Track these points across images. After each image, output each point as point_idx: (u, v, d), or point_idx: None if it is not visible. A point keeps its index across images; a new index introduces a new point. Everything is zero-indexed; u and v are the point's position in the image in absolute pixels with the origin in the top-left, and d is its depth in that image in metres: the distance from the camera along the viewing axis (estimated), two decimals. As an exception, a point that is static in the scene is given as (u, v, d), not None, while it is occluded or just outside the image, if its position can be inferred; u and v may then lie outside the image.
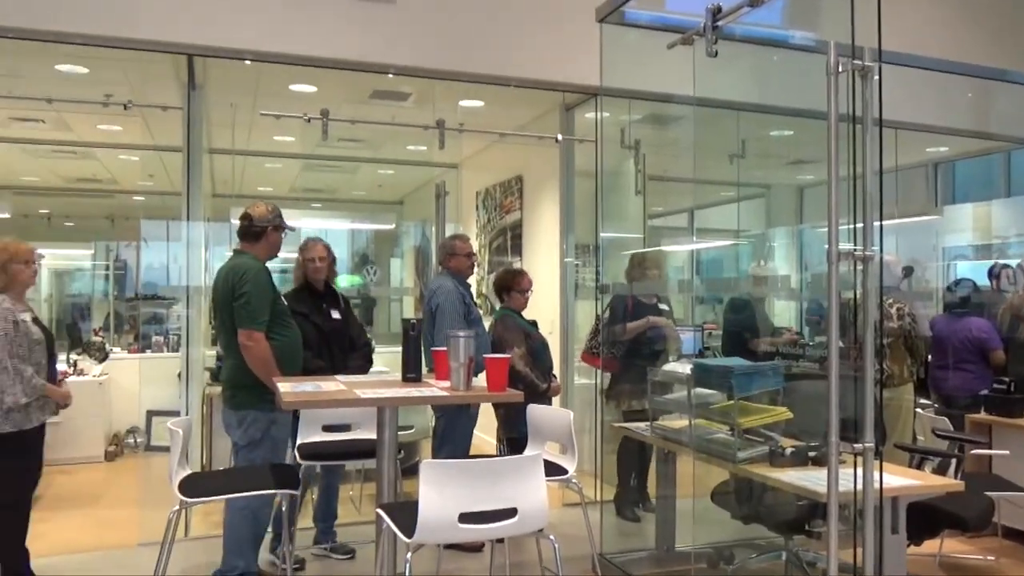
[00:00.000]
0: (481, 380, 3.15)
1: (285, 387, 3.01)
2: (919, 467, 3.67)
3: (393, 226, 8.76)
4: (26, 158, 7.79)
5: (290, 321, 3.71)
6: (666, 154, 5.74)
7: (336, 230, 8.89)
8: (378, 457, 3.01)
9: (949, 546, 4.25)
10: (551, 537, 2.54)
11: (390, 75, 5.05)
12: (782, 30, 4.31)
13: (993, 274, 5.47)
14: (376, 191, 9.92)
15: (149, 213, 9.65)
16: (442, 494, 2.30)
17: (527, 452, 3.43)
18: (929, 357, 5.05)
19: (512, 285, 4.66)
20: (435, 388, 3.08)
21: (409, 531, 2.32)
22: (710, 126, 4.87)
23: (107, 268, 9.89)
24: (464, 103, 5.83)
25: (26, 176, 8.78)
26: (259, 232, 3.67)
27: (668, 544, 4.07)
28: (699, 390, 3.54)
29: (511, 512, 2.38)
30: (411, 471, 4.92)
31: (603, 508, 4.55)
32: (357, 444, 3.81)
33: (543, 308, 5.37)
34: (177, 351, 5.01)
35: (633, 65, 4.45)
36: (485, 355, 3.12)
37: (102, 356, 6.87)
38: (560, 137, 5.59)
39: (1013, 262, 5.52)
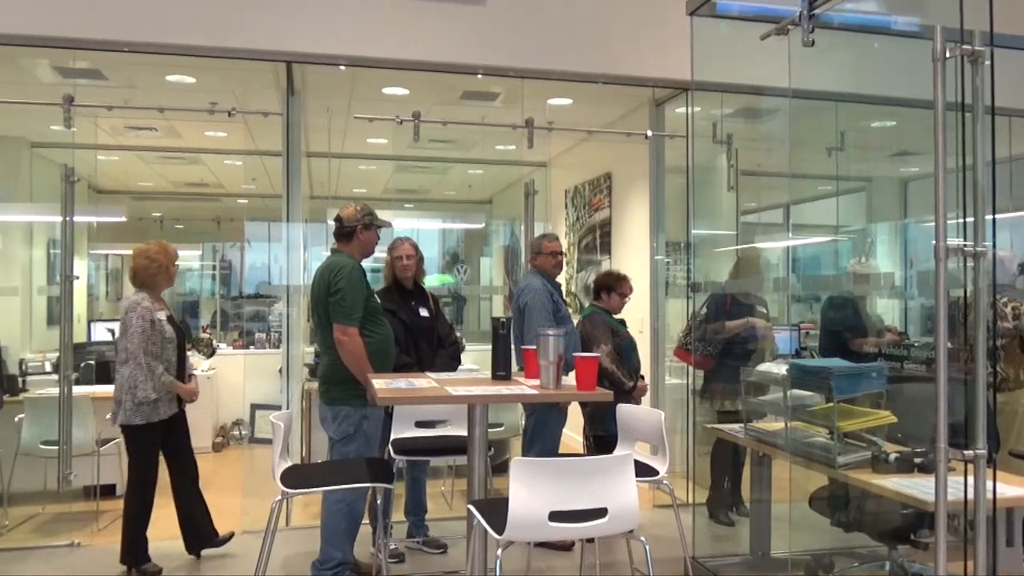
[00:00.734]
0: (571, 379, 3.15)
1: (379, 383, 3.09)
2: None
3: (482, 225, 8.84)
4: (141, 165, 8.26)
5: (383, 319, 3.80)
6: (760, 148, 5.58)
7: (427, 230, 9.06)
8: (469, 454, 3.05)
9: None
10: (642, 538, 2.51)
11: (479, 76, 5.11)
12: (883, 15, 4.12)
13: (1120, 270, 5.06)
14: (466, 191, 10.03)
15: (252, 215, 10.08)
16: (532, 492, 2.31)
17: (617, 452, 3.40)
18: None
19: (614, 286, 4.64)
20: (525, 386, 3.09)
21: (500, 528, 2.34)
22: (806, 118, 4.70)
23: (214, 268, 10.39)
24: (552, 101, 5.83)
25: (141, 182, 9.31)
26: (350, 232, 3.77)
27: (763, 550, 3.96)
28: (796, 391, 3.43)
29: (601, 512, 2.37)
30: (501, 468, 4.96)
31: (695, 511, 4.47)
32: (449, 440, 3.87)
33: (632, 307, 5.31)
34: (278, 347, 5.22)
35: (725, 58, 4.35)
36: (575, 354, 3.11)
37: (210, 352, 7.23)
38: (650, 133, 5.52)
39: None
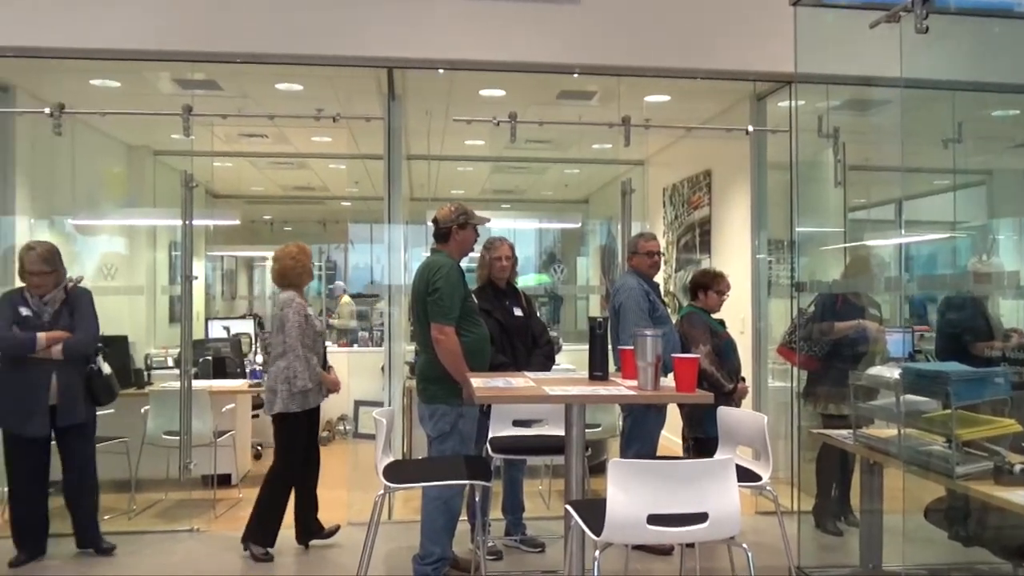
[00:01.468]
0: (669, 380, 3.11)
1: (477, 382, 3.13)
2: None
3: (579, 225, 8.83)
4: (253, 170, 8.67)
5: (479, 319, 3.84)
6: (869, 142, 5.33)
7: (524, 230, 9.12)
8: (566, 454, 3.05)
9: None
10: (744, 546, 2.45)
11: (575, 75, 5.10)
12: (1007, -2, 3.86)
13: None
14: (562, 190, 10.04)
15: (355, 217, 10.41)
16: (630, 494, 2.30)
17: (718, 455, 3.33)
18: None
19: (711, 284, 4.55)
20: (622, 387, 3.07)
21: (597, 529, 2.33)
22: (920, 109, 4.47)
23: (320, 268, 10.80)
24: (650, 99, 5.76)
25: (253, 186, 9.77)
26: (446, 232, 3.82)
27: (874, 562, 3.78)
28: (910, 397, 3.26)
29: (702, 517, 2.33)
30: (598, 469, 4.95)
31: (800, 519, 4.32)
32: (546, 440, 3.89)
33: (733, 307, 5.18)
34: (380, 346, 5.36)
35: (830, 48, 4.18)
36: (674, 354, 3.07)
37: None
38: (751, 128, 5.37)
39: None
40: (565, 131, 6.45)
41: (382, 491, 3.10)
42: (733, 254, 5.99)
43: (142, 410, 5.16)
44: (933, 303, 4.88)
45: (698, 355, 3.69)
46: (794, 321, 4.73)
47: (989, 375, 3.14)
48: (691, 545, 3.67)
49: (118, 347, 5.40)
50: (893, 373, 3.42)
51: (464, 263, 3.90)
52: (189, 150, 6.12)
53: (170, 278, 7.54)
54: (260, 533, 4.22)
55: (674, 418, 4.59)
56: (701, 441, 4.24)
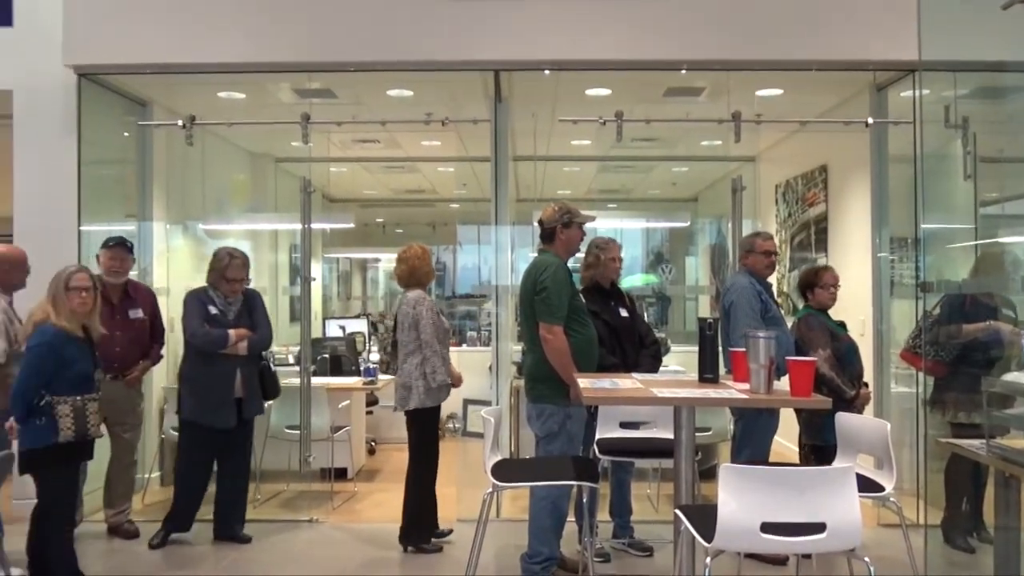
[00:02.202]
0: (783, 383, 3.01)
1: (584, 382, 3.13)
2: None
3: (687, 223, 8.64)
4: (366, 175, 8.96)
5: (587, 319, 3.83)
6: (1002, 131, 4.98)
7: (631, 229, 9.01)
8: (675, 457, 3.01)
9: None
10: (866, 559, 2.35)
11: (683, 71, 5.02)
12: None
13: None
14: (670, 189, 9.88)
15: (463, 219, 10.59)
16: (743, 501, 2.24)
17: (836, 463, 3.20)
18: None
19: (814, 281, 4.37)
20: (733, 390, 3.00)
21: (708, 535, 2.29)
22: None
23: (428, 269, 11.03)
24: (761, 93, 5.59)
25: (366, 190, 10.10)
26: (551, 232, 3.83)
27: (1010, 580, 3.54)
28: (1051, 405, 3.03)
29: (819, 527, 2.24)
30: (708, 474, 4.84)
31: (927, 533, 4.08)
32: (654, 442, 3.84)
33: (852, 308, 4.96)
34: (488, 345, 5.44)
35: (958, 33, 3.94)
36: (788, 357, 2.97)
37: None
38: (871, 121, 5.12)
39: None
40: (673, 128, 6.35)
41: (490, 489, 3.15)
42: (851, 253, 5.72)
43: (266, 404, 5.43)
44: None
45: (815, 358, 3.54)
46: (919, 323, 4.48)
47: None
48: (808, 556, 3.54)
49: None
50: (1032, 379, 3.19)
51: (569, 263, 3.90)
52: (307, 156, 6.39)
53: (290, 279, 7.90)
54: (415, 533, 4.34)
55: (787, 424, 4.45)
56: (819, 449, 4.07)
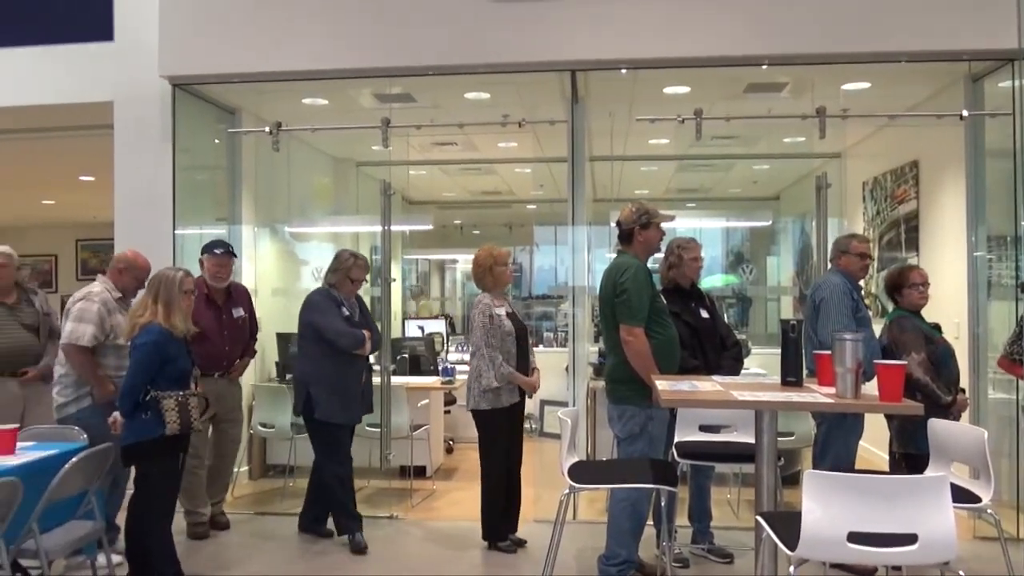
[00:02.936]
0: (871, 387, 2.90)
1: (663, 385, 3.09)
2: None
3: (769, 223, 8.43)
4: (444, 177, 9.08)
5: (668, 320, 3.78)
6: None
7: (710, 229, 8.85)
8: (757, 462, 2.94)
9: None
10: (960, 573, 2.24)
11: (764, 66, 4.90)
12: None
13: None
14: (751, 187, 9.66)
15: (540, 220, 10.61)
16: (828, 509, 2.18)
17: (929, 472, 3.07)
18: None
19: (901, 282, 4.20)
20: (818, 394, 2.91)
21: (791, 544, 2.23)
22: None
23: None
24: (847, 87, 5.41)
25: (445, 192, 10.24)
26: (628, 233, 3.80)
27: (1122, 600, 3.32)
28: None
29: (910, 538, 2.16)
30: (791, 480, 4.72)
31: (1028, 545, 3.88)
32: (735, 447, 3.77)
33: (946, 310, 4.74)
34: (565, 346, 5.43)
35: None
36: (876, 360, 2.86)
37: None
38: (966, 113, 4.88)
39: None
40: (754, 126, 6.19)
41: (567, 490, 3.15)
42: (945, 252, 5.47)
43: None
44: None
45: (905, 362, 3.41)
46: (1019, 326, 4.25)
47: None
48: (898, 568, 3.40)
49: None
50: None
51: (649, 264, 3.86)
52: (387, 160, 6.53)
53: (371, 280, 8.08)
54: (487, 529, 4.41)
55: (878, 430, 4.28)
56: (912, 457, 3.90)
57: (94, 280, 4.31)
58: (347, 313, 4.51)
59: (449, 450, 6.88)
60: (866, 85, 5.38)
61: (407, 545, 4.56)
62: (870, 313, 4.29)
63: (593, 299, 5.22)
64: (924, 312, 4.21)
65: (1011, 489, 4.34)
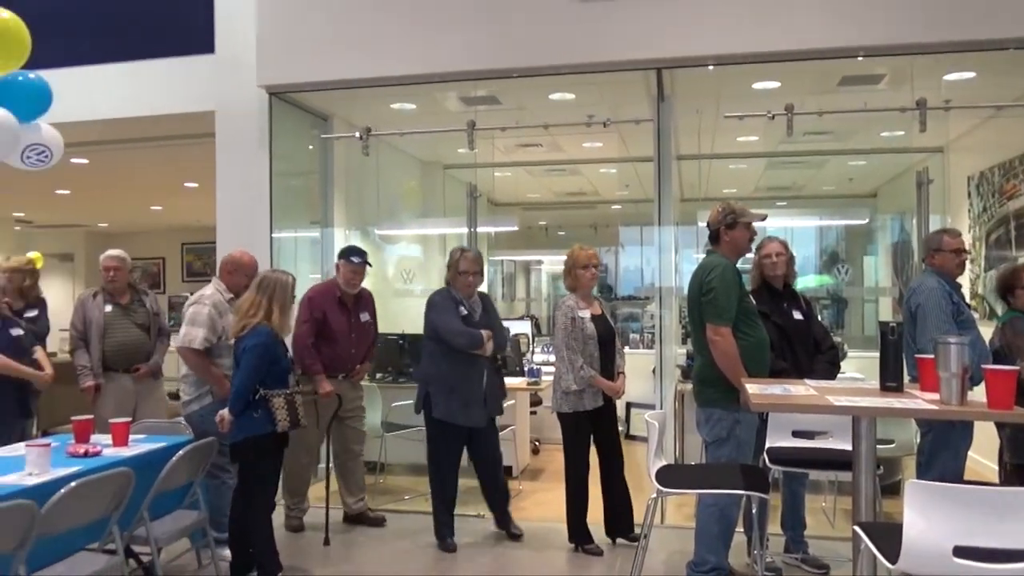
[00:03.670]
0: (978, 393, 2.76)
1: (753, 388, 3.01)
2: None
3: (866, 221, 8.11)
4: (529, 179, 9.12)
5: (757, 322, 3.70)
6: None
7: (802, 228, 8.57)
8: (854, 471, 2.83)
9: None
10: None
11: (859, 58, 4.72)
12: None
13: None
14: (846, 184, 9.31)
15: (625, 220, 10.52)
16: (932, 521, 2.08)
17: (1043, 484, 2.89)
18: None
19: (1014, 282, 3.97)
20: (920, 400, 2.78)
21: (892, 556, 2.14)
22: None
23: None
24: (949, 77, 5.14)
25: (530, 194, 10.28)
26: (715, 234, 3.74)
27: None
28: None
29: (1022, 555, 2.04)
30: (890, 489, 4.53)
31: None
32: (830, 453, 3.64)
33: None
34: (651, 348, 5.36)
35: None
36: (984, 365, 2.71)
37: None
38: (1084, 102, 4.58)
39: None
40: (849, 120, 5.97)
41: (655, 494, 3.11)
42: (1062, 249, 5.14)
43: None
44: None
45: (1019, 367, 3.21)
46: None
47: None
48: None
49: (416, 345, 5.97)
50: None
51: (739, 264, 3.77)
52: (473, 162, 6.60)
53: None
54: (571, 530, 4.42)
55: (985, 440, 4.06)
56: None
57: (206, 282, 4.53)
58: (465, 312, 4.49)
59: (535, 451, 6.89)
60: (970, 75, 5.10)
61: (493, 544, 4.60)
62: (975, 315, 4.07)
63: (681, 300, 5.15)
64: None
65: None
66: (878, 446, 2.93)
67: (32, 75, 3.53)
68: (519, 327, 7.55)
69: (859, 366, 5.51)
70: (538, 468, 6.47)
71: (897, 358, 3.00)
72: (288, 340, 4.10)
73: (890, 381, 2.96)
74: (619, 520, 4.47)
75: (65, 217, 12.72)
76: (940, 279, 3.90)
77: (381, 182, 6.74)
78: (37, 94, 3.50)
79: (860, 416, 2.79)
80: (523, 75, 5.11)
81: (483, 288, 4.83)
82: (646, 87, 5.21)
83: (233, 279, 4.42)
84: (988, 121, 6.07)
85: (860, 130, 6.74)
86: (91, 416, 3.89)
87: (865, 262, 9.28)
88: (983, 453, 4.61)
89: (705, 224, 3.79)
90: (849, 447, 2.92)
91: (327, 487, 4.76)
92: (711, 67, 4.89)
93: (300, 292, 4.49)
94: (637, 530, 4.40)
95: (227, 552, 3.91)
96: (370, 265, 4.88)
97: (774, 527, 4.19)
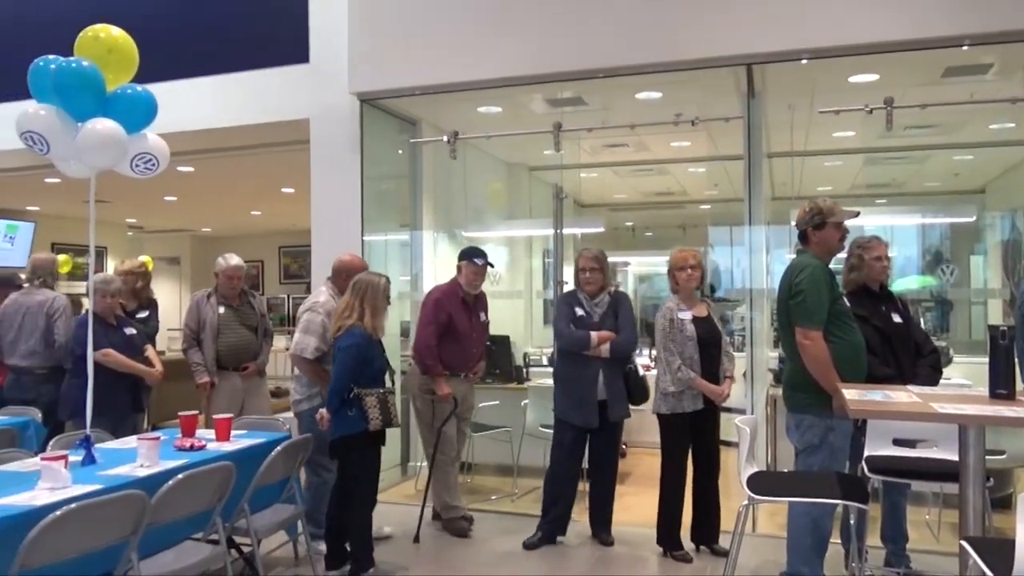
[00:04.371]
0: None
1: (851, 394, 2.91)
2: None
3: (973, 218, 7.68)
4: (615, 179, 9.06)
5: (852, 324, 3.56)
6: None
7: (903, 226, 8.19)
8: (961, 482, 2.69)
9: None
10: None
11: (964, 47, 4.48)
12: None
13: None
14: (951, 180, 8.86)
15: (715, 220, 10.29)
16: (1048, 538, 1.96)
17: None
18: None
19: None
20: (1035, 409, 2.62)
21: (1003, 574, 2.02)
22: None
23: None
24: (1067, 64, 4.83)
25: (616, 194, 10.22)
26: (803, 234, 3.62)
27: None
28: None
29: None
30: (1001, 503, 4.28)
31: None
32: (934, 464, 3.47)
33: None
34: (742, 351, 5.24)
35: None
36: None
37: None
38: None
39: None
40: (954, 112, 5.68)
41: (746, 502, 3.04)
42: None
43: (522, 403, 5.70)
44: None
45: None
46: None
47: None
48: None
49: (502, 346, 6.03)
50: None
51: (832, 265, 3.64)
52: (559, 164, 6.60)
53: (544, 283, 8.21)
54: (660, 535, 4.38)
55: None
56: None
57: (302, 284, 4.70)
58: (580, 313, 4.50)
59: (623, 454, 6.83)
60: (1095, 59, 4.78)
61: (579, 547, 4.58)
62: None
63: (772, 302, 5.01)
64: None
65: None
66: (988, 457, 2.77)
67: (139, 88, 3.73)
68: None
69: (966, 372, 5.23)
70: (625, 472, 6.40)
71: (1008, 364, 2.84)
72: (387, 340, 4.19)
73: (1000, 388, 2.81)
74: (706, 528, 4.39)
75: (172, 222, 13.46)
76: (1057, 279, 3.67)
77: (468, 185, 6.83)
78: (144, 106, 3.70)
79: (968, 425, 2.65)
80: (609, 75, 5.09)
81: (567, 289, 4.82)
82: (735, 83, 5.10)
83: (345, 284, 4.53)
84: (1114, 109, 5.66)
85: (967, 123, 6.40)
86: (197, 412, 4.09)
87: (972, 262, 8.79)
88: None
89: (794, 223, 3.68)
90: (955, 457, 2.78)
91: (427, 486, 4.81)
92: (804, 60, 4.74)
93: (394, 293, 4.58)
94: (723, 540, 4.31)
95: (323, 546, 4.04)
96: (492, 266, 4.93)
97: (873, 539, 4.02)
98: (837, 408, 3.32)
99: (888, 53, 4.59)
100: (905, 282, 7.81)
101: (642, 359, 5.12)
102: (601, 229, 7.72)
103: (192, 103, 6.16)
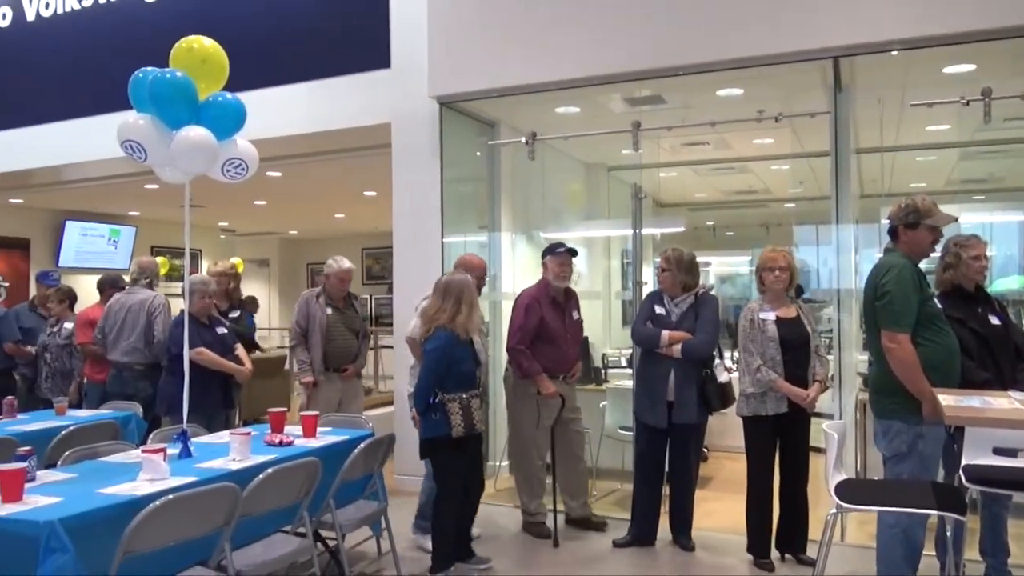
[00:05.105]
0: None
1: (947, 399, 2.79)
2: None
3: (1084, 214, 7.21)
4: (695, 178, 8.91)
5: (944, 326, 3.41)
6: None
7: (1004, 224, 7.77)
8: (1068, 494, 2.54)
9: None
10: None
11: (1076, 31, 4.22)
12: None
13: None
14: (1055, 174, 8.34)
15: (800, 219, 9.98)
16: None
17: None
18: None
19: None
20: None
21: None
22: None
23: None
24: None
25: (696, 193, 10.05)
26: (893, 230, 3.49)
27: None
28: None
29: None
30: (1115, 517, 4.00)
31: None
32: (1039, 474, 3.27)
33: None
34: (829, 354, 5.07)
35: None
36: None
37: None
38: None
39: None
40: (1060, 102, 5.35)
41: (834, 510, 2.95)
42: None
43: (600, 405, 5.67)
44: None
45: None
46: None
47: None
48: None
49: (581, 347, 6.00)
50: None
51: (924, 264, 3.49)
52: (638, 163, 6.54)
53: (623, 284, 8.14)
54: (749, 542, 4.30)
55: None
56: None
57: (384, 285, 4.82)
58: (659, 311, 4.47)
59: (704, 458, 6.70)
60: None
61: (658, 552, 4.52)
62: None
63: (861, 303, 4.83)
64: None
65: None
66: (1099, 468, 2.61)
67: (230, 96, 3.88)
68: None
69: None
70: (706, 476, 6.28)
71: (1123, 369, 2.66)
72: (479, 339, 4.21)
73: (1114, 395, 2.64)
74: (793, 536, 4.27)
75: (262, 226, 13.96)
76: None
77: (546, 186, 6.84)
78: (233, 113, 3.85)
79: (1075, 434, 2.50)
80: (689, 72, 5.01)
81: (647, 290, 4.76)
82: (822, 77, 4.94)
83: None
84: None
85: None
86: (285, 409, 4.22)
87: (1082, 261, 8.27)
88: None
89: (887, 219, 3.54)
90: (1063, 468, 2.62)
91: (554, 490, 4.72)
92: (895, 52, 4.55)
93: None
94: (811, 550, 4.18)
95: (429, 543, 4.09)
96: (575, 253, 4.83)
97: (972, 552, 3.83)
98: (926, 414, 3.19)
99: (985, 42, 4.36)
100: (1005, 282, 7.40)
101: (725, 362, 4.99)
102: (681, 229, 7.61)
103: (280, 110, 6.38)
